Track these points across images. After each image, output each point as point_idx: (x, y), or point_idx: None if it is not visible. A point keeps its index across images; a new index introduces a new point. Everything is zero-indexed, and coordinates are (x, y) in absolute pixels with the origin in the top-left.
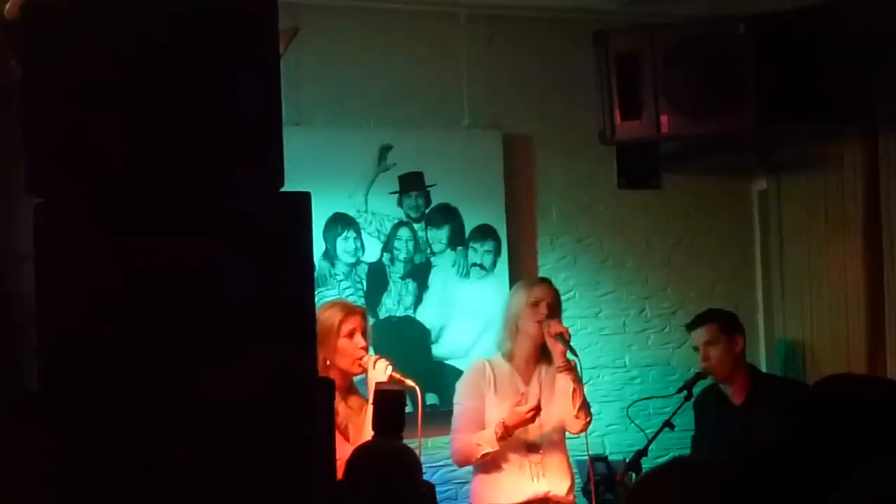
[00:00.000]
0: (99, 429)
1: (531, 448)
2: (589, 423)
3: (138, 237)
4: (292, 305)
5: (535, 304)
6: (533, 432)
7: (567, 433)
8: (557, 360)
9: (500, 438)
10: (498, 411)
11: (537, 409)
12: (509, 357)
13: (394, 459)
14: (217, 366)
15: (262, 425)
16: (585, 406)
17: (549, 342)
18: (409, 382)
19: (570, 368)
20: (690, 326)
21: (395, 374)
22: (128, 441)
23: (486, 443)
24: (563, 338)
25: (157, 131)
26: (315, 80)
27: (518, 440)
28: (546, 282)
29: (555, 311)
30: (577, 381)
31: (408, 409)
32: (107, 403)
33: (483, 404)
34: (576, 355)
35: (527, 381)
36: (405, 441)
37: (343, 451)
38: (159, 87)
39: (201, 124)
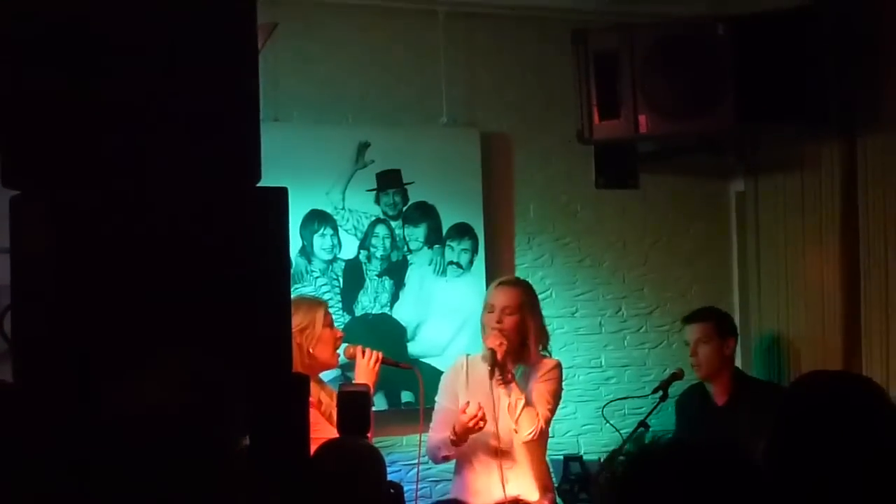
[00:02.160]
0: (72, 420)
1: (500, 452)
2: (532, 434)
3: (113, 231)
4: (268, 300)
5: (491, 311)
6: (503, 437)
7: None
8: (490, 374)
9: (454, 444)
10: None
11: (479, 418)
12: (485, 357)
13: (358, 458)
14: (192, 360)
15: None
16: (529, 419)
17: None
18: (404, 365)
19: (507, 382)
20: (687, 320)
21: (389, 360)
22: (102, 433)
23: (445, 447)
24: (494, 355)
25: (132, 125)
26: (294, 76)
27: (488, 445)
28: (506, 284)
29: (513, 315)
30: (518, 393)
31: (383, 406)
32: (81, 396)
33: (456, 404)
34: (494, 376)
35: (499, 384)
36: (406, 435)
37: (331, 436)
38: (135, 82)
39: (177, 118)
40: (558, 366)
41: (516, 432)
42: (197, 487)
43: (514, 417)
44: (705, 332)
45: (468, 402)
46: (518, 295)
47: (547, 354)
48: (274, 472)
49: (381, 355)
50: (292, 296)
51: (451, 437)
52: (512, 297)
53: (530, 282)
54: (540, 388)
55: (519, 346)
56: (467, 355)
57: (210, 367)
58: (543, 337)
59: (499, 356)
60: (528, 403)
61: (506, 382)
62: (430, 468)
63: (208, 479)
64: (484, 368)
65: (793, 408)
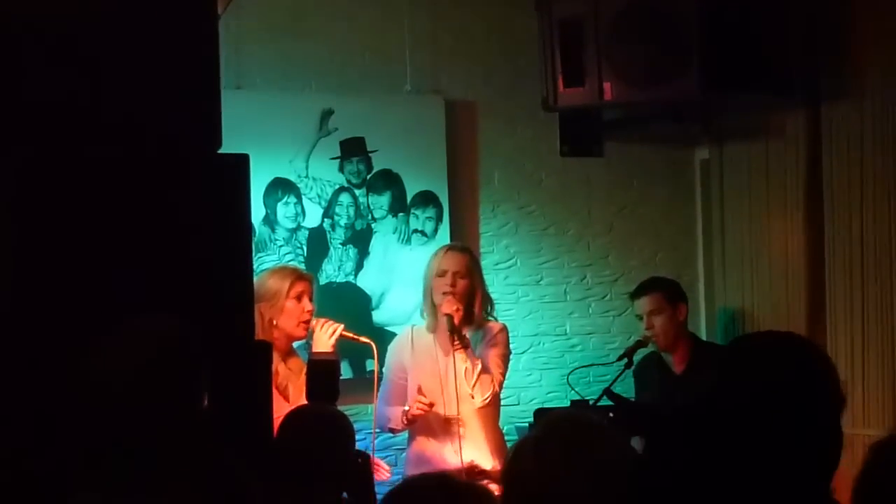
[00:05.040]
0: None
1: (452, 420)
2: (487, 399)
3: (70, 195)
4: (229, 267)
5: (442, 275)
6: (452, 406)
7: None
8: (450, 339)
9: (406, 424)
10: (414, 382)
11: (430, 405)
12: (431, 328)
13: (326, 425)
14: (150, 325)
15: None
16: (484, 384)
17: (442, 320)
18: (364, 340)
19: (464, 346)
20: (634, 295)
21: (346, 334)
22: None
23: (395, 422)
24: (451, 320)
25: (89, 90)
26: (256, 43)
27: (440, 413)
28: (455, 249)
29: (465, 279)
30: (474, 358)
31: (349, 374)
32: (36, 364)
33: (402, 375)
34: (455, 341)
35: (447, 353)
36: (371, 403)
37: (282, 411)
38: (95, 45)
39: (134, 83)
40: (504, 329)
41: (473, 398)
42: (157, 450)
43: (471, 383)
44: (656, 303)
45: (420, 388)
46: (467, 260)
47: (492, 319)
48: (235, 437)
49: (340, 329)
50: (269, 266)
51: (405, 418)
52: (462, 262)
53: (495, 249)
54: (490, 353)
55: (468, 311)
56: (413, 326)
57: (170, 329)
58: (488, 302)
59: (456, 321)
60: (483, 368)
61: (464, 347)
62: (394, 437)
63: (168, 443)
64: (429, 339)
65: (728, 363)
